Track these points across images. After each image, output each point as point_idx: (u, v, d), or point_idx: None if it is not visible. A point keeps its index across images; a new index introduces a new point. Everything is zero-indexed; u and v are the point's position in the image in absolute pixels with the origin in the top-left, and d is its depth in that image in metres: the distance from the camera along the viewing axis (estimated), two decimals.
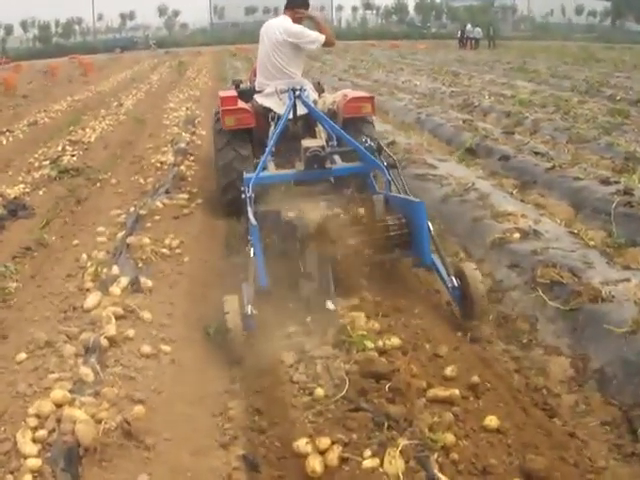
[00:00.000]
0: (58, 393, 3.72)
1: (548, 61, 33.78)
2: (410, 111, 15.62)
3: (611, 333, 4.40)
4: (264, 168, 6.33)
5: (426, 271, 5.92)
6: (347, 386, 3.96)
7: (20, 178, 10.14)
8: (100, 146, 12.74)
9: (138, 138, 13.89)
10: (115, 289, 5.30)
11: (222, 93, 8.18)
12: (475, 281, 5.08)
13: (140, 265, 5.97)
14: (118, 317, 4.81)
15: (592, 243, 6.12)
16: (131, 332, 4.58)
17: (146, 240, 6.42)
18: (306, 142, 6.32)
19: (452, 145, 11.96)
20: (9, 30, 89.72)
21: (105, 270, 5.77)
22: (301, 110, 7.11)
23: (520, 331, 5.07)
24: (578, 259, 5.64)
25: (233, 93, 8.04)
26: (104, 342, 4.34)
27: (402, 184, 6.09)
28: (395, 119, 15.32)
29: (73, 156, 11.54)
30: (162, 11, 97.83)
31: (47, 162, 10.93)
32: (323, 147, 6.23)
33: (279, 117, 7.03)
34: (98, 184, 9.87)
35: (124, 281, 5.44)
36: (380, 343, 4.47)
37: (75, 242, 7.01)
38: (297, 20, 7.70)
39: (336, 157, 6.74)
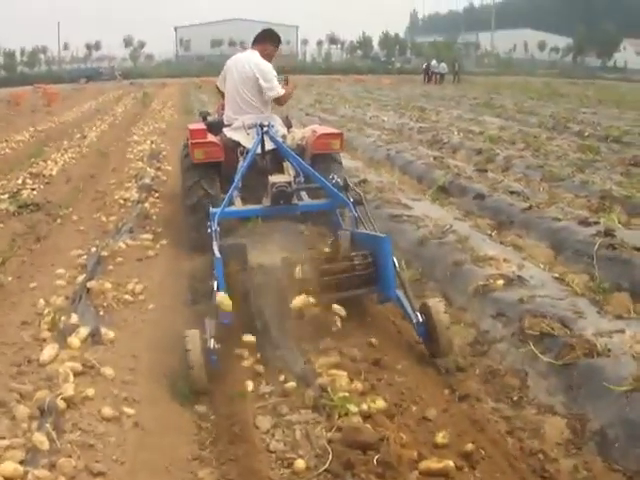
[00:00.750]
0: (9, 466, 3.32)
1: (513, 97, 34.29)
2: (379, 147, 15.41)
3: (611, 391, 4.08)
4: (231, 203, 6.42)
5: (404, 319, 5.56)
6: (330, 457, 3.58)
7: None
8: (62, 180, 12.30)
9: (101, 172, 13.44)
10: (74, 340, 4.89)
11: (191, 126, 8.02)
12: (439, 315, 5.03)
13: (101, 313, 5.57)
14: (77, 373, 4.39)
15: (579, 290, 5.84)
16: (91, 391, 4.16)
17: (108, 285, 6.03)
18: (273, 178, 6.32)
19: (423, 183, 11.73)
20: None
21: (63, 318, 5.35)
22: (269, 145, 7.14)
23: (510, 387, 4.73)
24: (567, 308, 5.36)
25: (202, 126, 7.92)
26: (61, 403, 3.92)
27: (368, 220, 6.04)
28: (364, 155, 15.06)
29: (33, 190, 11.06)
30: (128, 42, 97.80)
31: (6, 196, 10.43)
32: (290, 183, 6.28)
33: (248, 151, 6.99)
34: (59, 220, 9.43)
35: (83, 331, 5.03)
36: (364, 406, 4.07)
37: (32, 285, 6.57)
38: (266, 56, 7.71)
39: (303, 193, 6.84)
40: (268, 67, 7.58)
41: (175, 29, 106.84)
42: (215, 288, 4.91)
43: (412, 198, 9.39)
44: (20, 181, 11.70)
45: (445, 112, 25.14)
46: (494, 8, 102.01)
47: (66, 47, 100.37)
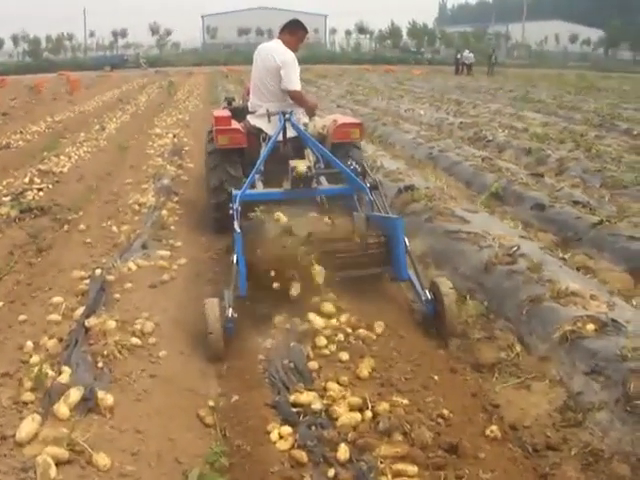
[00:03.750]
0: None
1: (550, 90, 32.90)
2: (420, 145, 14.18)
3: None
4: (253, 186, 6.69)
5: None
6: None
7: None
8: (73, 178, 11.20)
9: (118, 169, 12.37)
10: (62, 408, 3.77)
11: (216, 113, 8.38)
12: (448, 295, 5.33)
13: (100, 364, 4.42)
14: (61, 462, 3.30)
15: None
16: None
17: (110, 323, 4.88)
18: (294, 162, 6.56)
19: (472, 188, 10.57)
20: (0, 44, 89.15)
21: (52, 373, 4.26)
22: (291, 133, 7.33)
23: (618, 478, 3.59)
24: None
25: (227, 113, 8.20)
26: None
27: (383, 204, 6.32)
28: (404, 153, 13.83)
29: (40, 190, 9.97)
30: (154, 30, 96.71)
31: (8, 198, 9.36)
32: (310, 167, 6.50)
33: (270, 138, 7.25)
34: (65, 227, 8.39)
35: (75, 395, 3.89)
36: None
37: (22, 317, 5.48)
38: (292, 46, 7.74)
39: (322, 179, 7.05)
40: (291, 59, 7.61)
41: (202, 17, 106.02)
42: (234, 262, 5.21)
43: (467, 209, 8.19)
44: (27, 179, 10.63)
45: (483, 106, 23.84)
46: None
47: (92, 34, 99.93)
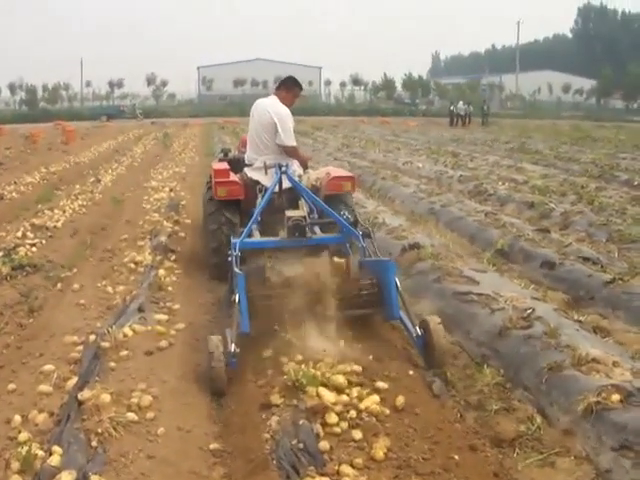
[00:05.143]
0: None
1: (545, 140, 33.17)
2: (421, 200, 13.91)
3: None
4: (250, 235, 6.91)
5: None
6: None
7: None
8: (67, 233, 10.90)
9: (113, 224, 12.09)
10: None
11: (215, 165, 8.70)
12: (436, 330, 5.63)
13: (93, 443, 4.08)
14: None
15: None
16: None
17: (105, 397, 4.53)
18: (289, 212, 6.82)
19: (476, 244, 10.30)
20: None
21: (41, 453, 3.94)
22: (286, 184, 7.61)
23: None
24: None
25: (225, 166, 8.50)
26: None
27: (374, 250, 6.55)
28: (404, 208, 13.57)
29: (33, 245, 9.65)
30: (150, 80, 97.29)
31: (0, 254, 9.04)
32: (305, 217, 6.73)
33: (266, 189, 7.49)
34: (59, 286, 8.05)
35: None
36: None
37: (11, 387, 5.14)
38: (286, 102, 8.17)
39: (316, 228, 7.21)
40: (286, 115, 8.05)
41: (198, 68, 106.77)
42: (236, 301, 5.52)
43: (475, 269, 7.92)
44: (20, 234, 10.33)
45: (480, 158, 23.75)
46: (518, 50, 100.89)
47: (89, 84, 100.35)
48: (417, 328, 5.74)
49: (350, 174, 8.76)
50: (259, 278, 6.03)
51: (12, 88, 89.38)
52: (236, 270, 5.87)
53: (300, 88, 8.40)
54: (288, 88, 8.22)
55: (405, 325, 5.93)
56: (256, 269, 6.19)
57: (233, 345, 5.23)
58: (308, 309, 5.78)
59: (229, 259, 6.28)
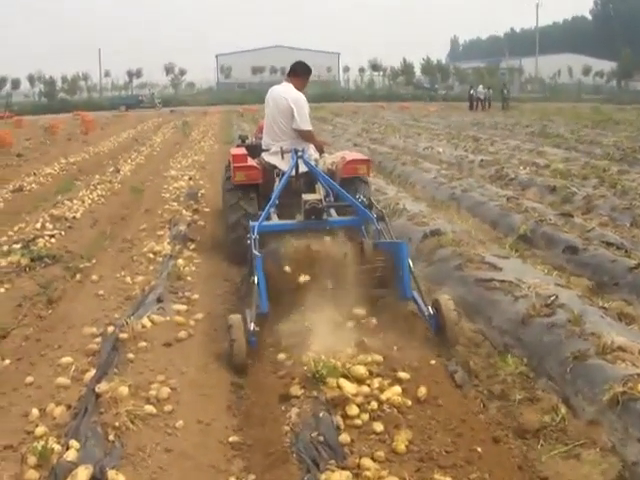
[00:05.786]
0: None
1: (566, 124, 32.68)
2: (441, 185, 13.77)
3: None
4: (268, 218, 7.12)
5: None
6: None
7: None
8: (87, 223, 10.93)
9: (132, 213, 12.10)
10: None
11: (234, 151, 8.94)
12: (448, 310, 5.78)
13: (111, 437, 4.03)
14: None
15: None
16: None
17: (123, 390, 4.48)
18: (306, 196, 7.02)
19: (498, 229, 10.15)
20: (16, 84, 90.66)
21: (58, 447, 3.90)
22: (302, 168, 7.73)
23: None
24: None
25: (243, 151, 8.67)
26: None
27: (389, 231, 6.76)
28: (425, 194, 13.44)
29: (52, 237, 9.64)
30: (169, 69, 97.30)
31: (19, 245, 9.02)
32: (321, 200, 6.97)
33: (283, 173, 7.66)
34: (77, 276, 8.04)
35: (82, 476, 3.53)
36: None
37: (29, 379, 5.11)
38: (301, 85, 8.38)
39: (332, 211, 7.41)
40: (302, 100, 8.20)
41: (216, 56, 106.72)
42: (255, 282, 5.72)
43: (498, 255, 7.79)
44: (39, 225, 10.34)
45: (501, 142, 23.51)
46: (537, 33, 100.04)
47: (107, 74, 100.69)
48: (429, 307, 5.89)
49: (365, 157, 8.96)
50: (276, 262, 6.13)
51: (31, 80, 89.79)
52: (255, 252, 6.04)
53: (309, 72, 8.56)
54: (298, 73, 8.41)
55: (417, 304, 6.05)
56: (273, 253, 6.28)
57: (252, 324, 5.42)
58: (325, 292, 5.95)
59: (248, 242, 6.47)
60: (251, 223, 6.83)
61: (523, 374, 5.23)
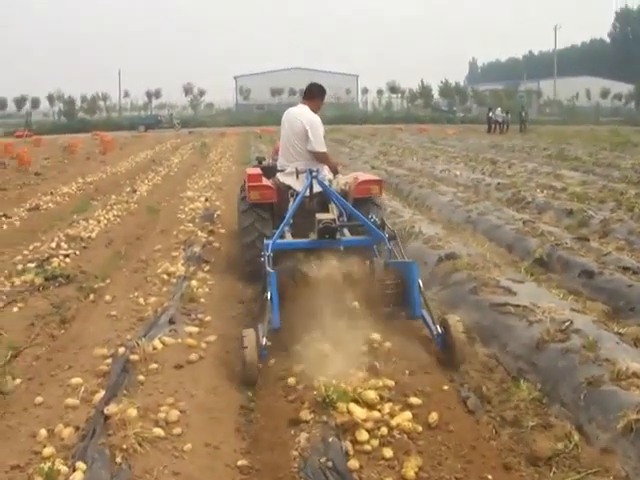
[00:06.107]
0: None
1: (584, 147, 32.58)
2: (457, 208, 13.74)
3: None
4: (282, 237, 7.28)
5: None
6: None
7: None
8: (102, 243, 10.95)
9: (147, 234, 12.13)
10: None
11: (249, 171, 9.01)
12: (457, 331, 5.82)
13: (118, 459, 4.00)
14: None
15: None
16: None
17: (132, 412, 4.46)
18: (320, 215, 7.16)
19: (514, 253, 10.11)
20: (35, 103, 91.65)
21: (65, 469, 3.87)
22: (317, 188, 7.81)
23: None
24: None
25: (258, 171, 8.80)
26: None
27: (400, 251, 6.94)
28: (441, 216, 13.40)
29: (67, 256, 9.67)
30: (188, 90, 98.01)
31: (33, 264, 9.05)
32: (334, 220, 7.12)
33: (298, 193, 7.81)
34: (91, 297, 8.07)
35: None
36: None
37: (39, 400, 5.09)
38: (315, 107, 8.52)
39: (345, 231, 7.53)
40: (317, 122, 8.35)
41: (235, 78, 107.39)
42: (268, 298, 5.84)
43: (513, 279, 7.74)
44: (54, 244, 10.39)
45: (519, 165, 23.47)
46: (555, 55, 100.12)
47: (127, 94, 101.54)
48: (437, 326, 5.95)
49: (377, 178, 9.02)
50: (290, 279, 6.32)
51: (51, 99, 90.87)
52: (268, 269, 6.21)
53: (324, 94, 8.74)
54: (312, 96, 8.58)
55: (426, 323, 6.13)
56: (287, 270, 6.47)
57: (264, 339, 5.55)
58: (337, 311, 5.92)
59: (262, 259, 6.63)
60: (265, 241, 7.00)
61: (536, 400, 5.18)
